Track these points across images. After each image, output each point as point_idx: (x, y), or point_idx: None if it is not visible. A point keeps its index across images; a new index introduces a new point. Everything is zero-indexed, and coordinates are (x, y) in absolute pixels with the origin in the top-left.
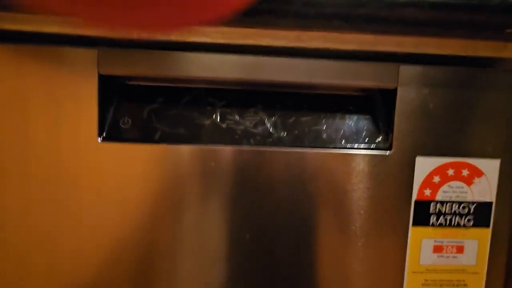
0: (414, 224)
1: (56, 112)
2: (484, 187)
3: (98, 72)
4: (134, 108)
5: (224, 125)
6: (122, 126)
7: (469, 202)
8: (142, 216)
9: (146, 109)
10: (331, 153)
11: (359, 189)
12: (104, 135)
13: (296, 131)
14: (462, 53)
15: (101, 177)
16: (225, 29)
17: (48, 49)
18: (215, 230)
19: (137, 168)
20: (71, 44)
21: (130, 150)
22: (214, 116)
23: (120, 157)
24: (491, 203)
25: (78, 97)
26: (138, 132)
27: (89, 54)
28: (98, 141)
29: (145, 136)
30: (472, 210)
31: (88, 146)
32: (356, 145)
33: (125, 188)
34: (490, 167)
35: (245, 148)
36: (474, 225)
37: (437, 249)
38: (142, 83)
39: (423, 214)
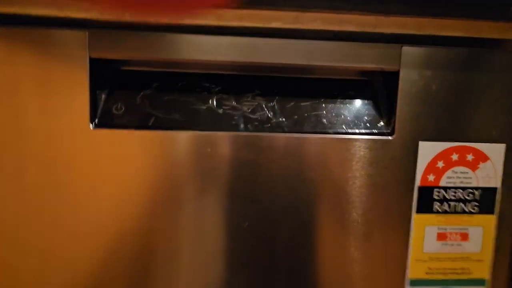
0: (417, 211)
1: (46, 97)
2: (489, 172)
3: (89, 56)
4: (128, 94)
5: (220, 111)
6: (115, 112)
7: (474, 188)
8: (138, 204)
9: (140, 94)
10: (332, 138)
11: (360, 175)
12: (96, 122)
13: (296, 116)
14: (466, 35)
15: (94, 165)
16: (219, 11)
17: (36, 32)
18: (213, 218)
19: (131, 155)
20: (60, 26)
21: (123, 137)
22: (210, 102)
23: (113, 144)
24: (496, 188)
25: (68, 82)
26: (131, 118)
27: (79, 37)
28: (90, 128)
29: (139, 122)
30: (477, 196)
31: (79, 133)
32: (357, 130)
33: (119, 175)
34: (495, 151)
35: (243, 134)
36: (479, 212)
37: (441, 236)
38: (135, 68)
39: (426, 201)
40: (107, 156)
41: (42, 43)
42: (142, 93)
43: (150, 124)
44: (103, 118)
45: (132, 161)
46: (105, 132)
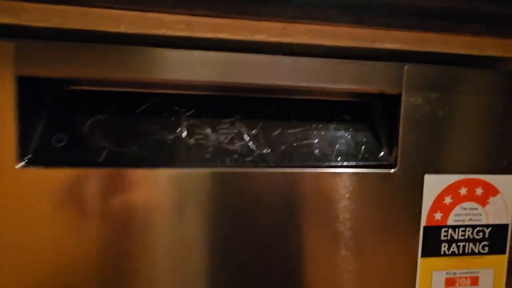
0: (424, 254)
1: None
2: (500, 208)
3: (16, 73)
4: (72, 121)
5: (191, 141)
6: (54, 145)
7: (483, 226)
8: (81, 266)
9: (88, 121)
10: (325, 173)
11: (359, 216)
12: (28, 159)
13: (283, 147)
14: (473, 52)
15: (25, 214)
16: (190, 19)
17: None
18: (184, 274)
19: (75, 201)
20: None
21: (64, 178)
22: (178, 130)
23: (52, 187)
24: (507, 225)
25: None
26: (76, 152)
27: (4, 49)
28: (17, 167)
29: (86, 157)
30: (487, 235)
31: (5, 173)
32: (354, 163)
33: (58, 230)
34: (506, 183)
35: (219, 170)
36: (489, 252)
37: (450, 282)
38: (83, 88)
39: (433, 242)
40: (42, 203)
41: None
42: (91, 120)
43: (100, 160)
44: (38, 153)
45: (76, 209)
46: (40, 172)
